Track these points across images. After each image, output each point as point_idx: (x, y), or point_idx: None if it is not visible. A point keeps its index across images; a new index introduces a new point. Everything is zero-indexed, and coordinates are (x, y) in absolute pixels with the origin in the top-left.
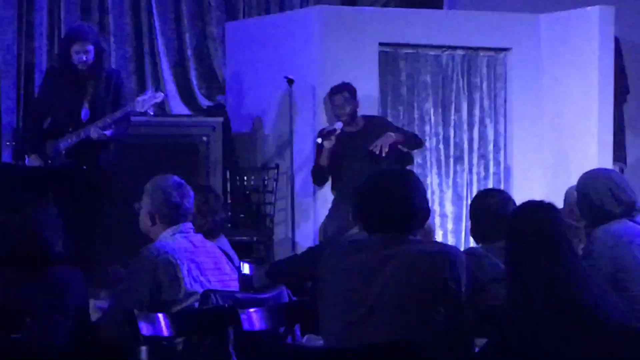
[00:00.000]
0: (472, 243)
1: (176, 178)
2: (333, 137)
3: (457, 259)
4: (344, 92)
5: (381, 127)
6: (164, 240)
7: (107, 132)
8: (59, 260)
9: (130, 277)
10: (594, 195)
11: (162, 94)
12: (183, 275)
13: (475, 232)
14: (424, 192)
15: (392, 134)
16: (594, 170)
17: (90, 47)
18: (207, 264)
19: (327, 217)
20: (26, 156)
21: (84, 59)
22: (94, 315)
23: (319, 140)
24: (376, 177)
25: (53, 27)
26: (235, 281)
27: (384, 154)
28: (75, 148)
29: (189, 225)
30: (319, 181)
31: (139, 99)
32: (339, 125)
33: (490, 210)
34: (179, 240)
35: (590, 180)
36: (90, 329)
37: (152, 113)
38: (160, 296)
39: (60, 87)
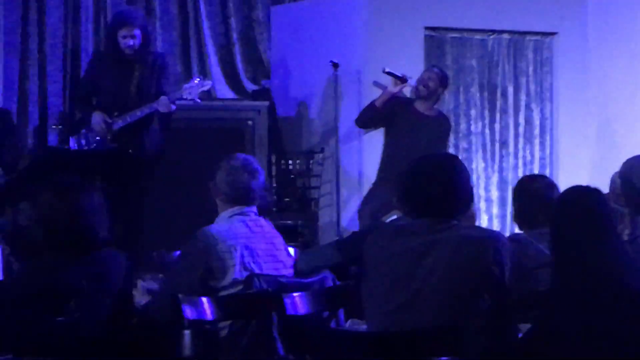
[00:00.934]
0: (517, 228)
1: (248, 158)
2: (399, 85)
3: (501, 245)
4: (435, 69)
5: (443, 132)
6: (221, 222)
7: (173, 107)
8: (104, 245)
9: (181, 261)
10: (637, 182)
11: (210, 82)
12: (235, 262)
13: (518, 217)
14: (469, 177)
15: None
16: (637, 156)
17: (137, 32)
18: (262, 250)
19: (365, 197)
20: (93, 114)
21: (131, 43)
22: (142, 297)
23: (387, 69)
24: (421, 163)
25: (99, 10)
26: (290, 269)
27: None
28: (121, 132)
29: (252, 208)
30: (362, 120)
31: (186, 85)
32: (412, 82)
33: (534, 195)
34: (236, 225)
35: (634, 167)
36: (133, 312)
37: (199, 101)
38: (208, 282)
39: (107, 70)
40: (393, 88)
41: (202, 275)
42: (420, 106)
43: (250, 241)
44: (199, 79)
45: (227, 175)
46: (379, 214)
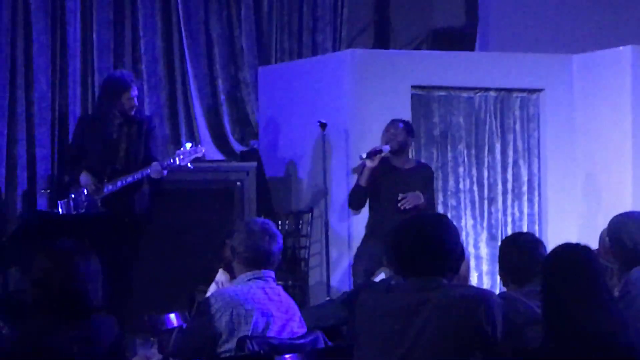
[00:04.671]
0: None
1: (267, 222)
2: (377, 158)
3: (492, 303)
4: (399, 122)
5: (425, 181)
6: (240, 284)
7: (165, 172)
8: (97, 310)
9: (193, 322)
10: (626, 238)
11: (203, 148)
12: (250, 327)
13: (505, 275)
14: (458, 235)
15: (422, 196)
16: (624, 213)
17: (137, 92)
18: (278, 319)
19: (356, 256)
20: (81, 175)
21: (135, 103)
22: None
23: (363, 155)
24: (409, 221)
25: (86, 74)
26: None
27: (403, 208)
28: (110, 195)
29: (271, 273)
30: (355, 203)
31: (179, 151)
32: (385, 148)
33: (521, 251)
34: (254, 290)
35: (622, 224)
36: None
37: (191, 167)
38: (216, 348)
39: (95, 135)
40: (371, 163)
41: (212, 339)
42: (397, 162)
43: (266, 307)
44: (191, 145)
45: (247, 239)
46: (371, 271)
